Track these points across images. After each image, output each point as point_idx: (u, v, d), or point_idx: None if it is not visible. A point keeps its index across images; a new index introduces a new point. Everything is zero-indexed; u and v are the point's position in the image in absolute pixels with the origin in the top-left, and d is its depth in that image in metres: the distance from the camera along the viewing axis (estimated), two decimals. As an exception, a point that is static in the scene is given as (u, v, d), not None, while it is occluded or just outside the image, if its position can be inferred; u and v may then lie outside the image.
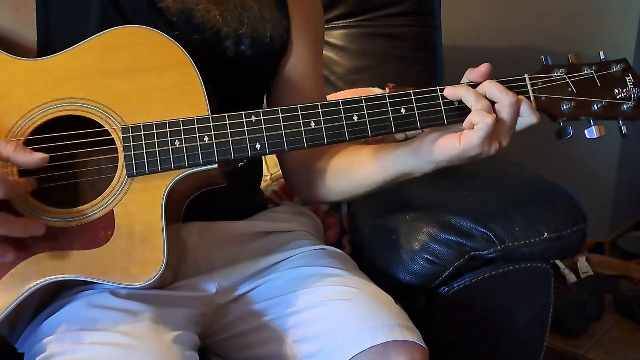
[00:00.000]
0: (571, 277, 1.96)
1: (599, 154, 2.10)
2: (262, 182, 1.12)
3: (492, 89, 0.78)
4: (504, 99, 0.77)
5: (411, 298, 1.01)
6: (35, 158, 0.73)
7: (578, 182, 1.53)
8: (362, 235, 1.11)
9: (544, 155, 1.59)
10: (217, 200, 0.88)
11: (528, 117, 0.79)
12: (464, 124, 0.79)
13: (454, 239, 0.96)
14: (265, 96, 1.02)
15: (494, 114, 0.77)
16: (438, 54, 1.51)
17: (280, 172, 1.23)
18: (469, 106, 0.78)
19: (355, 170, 0.93)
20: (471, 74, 0.81)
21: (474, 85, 0.80)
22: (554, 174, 1.08)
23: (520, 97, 0.79)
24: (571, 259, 2.01)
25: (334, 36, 1.48)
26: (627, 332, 1.84)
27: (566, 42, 2.01)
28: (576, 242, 0.98)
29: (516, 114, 0.78)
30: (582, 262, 2.01)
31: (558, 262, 1.98)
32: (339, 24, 1.48)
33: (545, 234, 0.96)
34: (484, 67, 0.80)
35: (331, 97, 1.32)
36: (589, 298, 1.86)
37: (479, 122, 0.76)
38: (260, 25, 0.93)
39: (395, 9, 1.47)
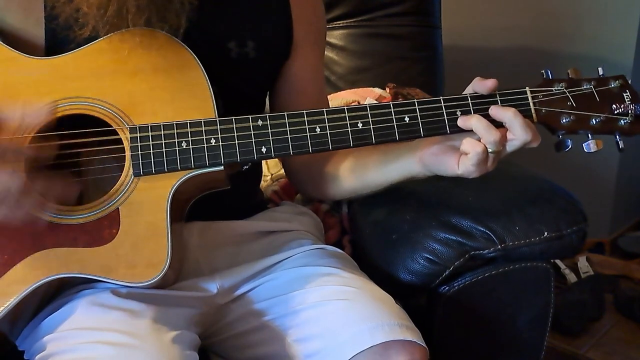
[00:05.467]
0: (571, 277, 1.96)
1: (599, 154, 2.09)
2: (262, 181, 1.12)
3: (478, 125, 0.80)
4: (488, 136, 0.79)
5: (411, 297, 1.01)
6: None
7: (578, 182, 1.53)
8: (362, 234, 1.11)
9: (544, 155, 1.59)
10: (218, 200, 0.88)
11: (522, 136, 0.81)
12: (460, 148, 0.82)
13: (454, 238, 0.97)
14: (267, 97, 1.02)
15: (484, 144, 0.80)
16: (438, 54, 1.51)
17: (281, 172, 1.23)
18: (479, 135, 0.80)
19: (360, 173, 0.94)
20: (477, 85, 0.83)
21: (479, 97, 0.82)
22: (554, 174, 1.08)
23: (514, 113, 0.80)
24: (571, 259, 2.01)
25: (334, 36, 1.48)
26: (627, 332, 1.84)
27: (566, 42, 2.01)
28: (576, 241, 0.98)
29: (500, 147, 0.81)
30: (582, 262, 2.01)
31: (558, 262, 1.98)
32: (339, 24, 1.48)
33: (546, 234, 0.96)
34: (491, 83, 0.82)
35: (331, 97, 1.33)
36: (589, 298, 1.87)
37: (469, 152, 0.80)
38: (263, 28, 0.93)
39: (395, 9, 1.47)
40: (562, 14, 2.03)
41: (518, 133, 0.80)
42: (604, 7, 2.01)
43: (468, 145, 0.80)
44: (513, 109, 0.81)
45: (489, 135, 0.79)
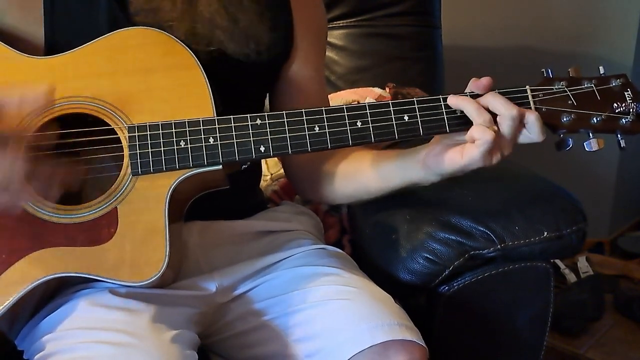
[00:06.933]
0: (571, 277, 1.97)
1: (599, 154, 2.09)
2: (262, 181, 1.12)
3: (494, 101, 0.79)
4: (506, 112, 0.79)
5: (411, 297, 1.01)
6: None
7: (578, 182, 1.53)
8: (362, 234, 1.11)
9: (544, 156, 1.59)
10: (218, 199, 0.88)
11: (534, 135, 0.80)
12: (466, 137, 0.80)
13: (453, 237, 0.97)
14: (267, 96, 1.02)
15: (495, 128, 0.78)
16: (438, 53, 1.51)
17: (280, 172, 1.23)
18: (470, 118, 0.79)
19: (361, 177, 0.93)
20: (473, 85, 0.82)
21: (477, 96, 0.81)
22: (554, 174, 1.08)
23: (530, 111, 0.80)
24: (571, 259, 2.01)
25: (334, 36, 1.48)
26: (627, 332, 1.84)
27: (566, 42, 2.01)
28: (576, 241, 0.98)
29: (518, 126, 0.80)
30: (582, 262, 2.01)
31: (558, 262, 1.98)
32: (339, 23, 1.48)
33: (545, 233, 0.96)
34: (485, 80, 0.82)
35: (331, 97, 1.33)
36: (589, 298, 1.87)
37: (479, 138, 0.78)
38: (264, 28, 0.93)
39: (395, 8, 1.47)
40: (562, 14, 2.03)
41: (502, 111, 0.79)
42: (604, 7, 2.02)
43: (479, 131, 0.78)
44: (490, 92, 0.80)
45: (508, 111, 0.78)
